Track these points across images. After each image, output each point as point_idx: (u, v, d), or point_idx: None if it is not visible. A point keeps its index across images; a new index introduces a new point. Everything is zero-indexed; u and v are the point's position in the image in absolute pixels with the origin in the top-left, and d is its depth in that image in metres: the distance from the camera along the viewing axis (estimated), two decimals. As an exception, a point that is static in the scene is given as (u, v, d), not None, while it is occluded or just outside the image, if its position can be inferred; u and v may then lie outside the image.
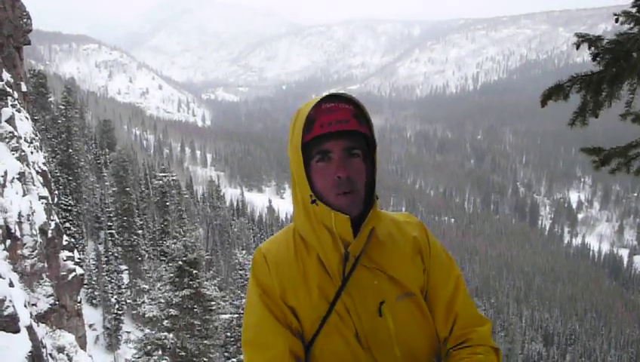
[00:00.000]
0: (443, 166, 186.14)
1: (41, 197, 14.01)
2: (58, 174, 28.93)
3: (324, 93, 1.28)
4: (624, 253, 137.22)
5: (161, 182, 37.84)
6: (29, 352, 6.21)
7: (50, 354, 8.67)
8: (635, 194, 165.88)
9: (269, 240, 1.45)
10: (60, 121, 32.70)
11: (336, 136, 1.23)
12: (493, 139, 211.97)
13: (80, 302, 18.80)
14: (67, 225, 26.11)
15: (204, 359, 16.93)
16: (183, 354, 16.26)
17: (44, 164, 16.39)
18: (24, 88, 18.32)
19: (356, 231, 1.26)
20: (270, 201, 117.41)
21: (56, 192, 22.24)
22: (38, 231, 12.93)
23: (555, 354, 70.69)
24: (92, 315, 25.84)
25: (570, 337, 77.63)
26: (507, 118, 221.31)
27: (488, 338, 1.35)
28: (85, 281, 24.72)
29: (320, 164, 1.25)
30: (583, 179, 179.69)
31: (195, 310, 16.59)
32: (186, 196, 49.80)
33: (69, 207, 27.88)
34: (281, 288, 1.32)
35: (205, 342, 16.78)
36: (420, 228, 1.41)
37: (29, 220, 12.08)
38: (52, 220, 15.18)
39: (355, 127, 1.24)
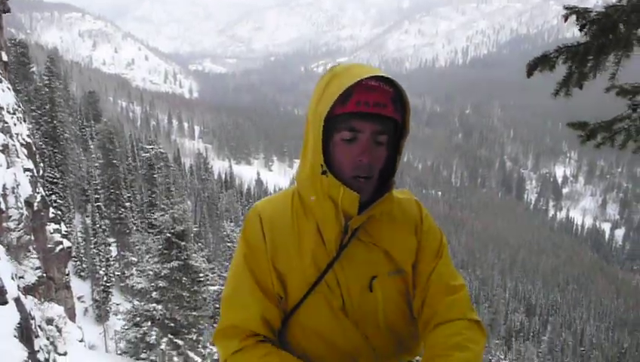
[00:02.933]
0: (431, 139, 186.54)
1: (25, 170, 13.84)
2: (43, 146, 28.51)
3: (367, 70, 1.17)
4: (606, 226, 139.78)
5: (148, 154, 37.55)
6: (18, 324, 6.23)
7: (39, 326, 8.70)
8: (619, 170, 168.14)
9: (267, 198, 1.41)
10: (43, 92, 32.04)
11: (370, 118, 1.17)
12: (481, 113, 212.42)
13: (68, 275, 18.82)
14: (53, 197, 25.91)
15: (193, 330, 17.12)
16: (172, 325, 16.42)
17: (28, 135, 16.13)
18: (4, 58, 17.84)
19: (359, 210, 1.23)
20: (258, 174, 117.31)
21: (42, 165, 21.93)
22: (23, 204, 12.82)
23: (536, 324, 72.47)
24: (80, 288, 25.86)
25: (552, 308, 79.57)
26: (496, 92, 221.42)
27: (463, 309, 1.29)
28: (73, 254, 24.68)
29: (344, 141, 1.19)
30: (568, 155, 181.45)
31: (184, 282, 16.68)
32: (174, 169, 49.54)
33: (55, 180, 27.60)
34: (273, 249, 1.28)
35: (194, 313, 16.93)
36: (416, 206, 1.39)
37: (14, 193, 11.95)
38: (38, 193, 15.04)
39: (391, 113, 1.18)
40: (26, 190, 13.40)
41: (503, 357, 58.26)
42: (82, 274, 27.91)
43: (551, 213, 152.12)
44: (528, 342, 66.93)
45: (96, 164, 35.24)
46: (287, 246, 1.28)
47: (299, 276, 1.26)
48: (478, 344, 1.22)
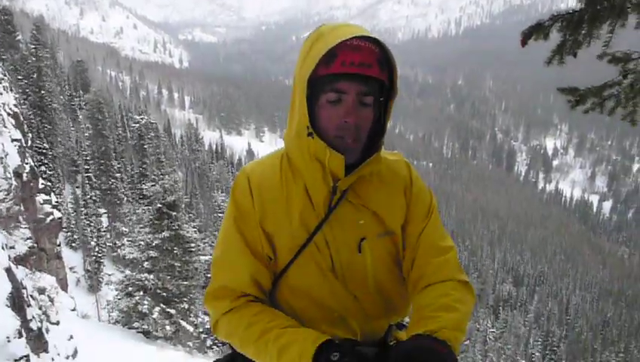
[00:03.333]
0: (423, 111, 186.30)
1: (13, 140, 13.66)
2: (31, 116, 28.11)
3: (353, 29, 1.16)
4: (594, 199, 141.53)
5: (138, 124, 37.23)
6: (10, 293, 6.24)
7: (31, 296, 8.72)
8: (609, 143, 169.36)
9: (255, 161, 1.40)
10: (29, 61, 31.43)
11: (355, 78, 1.15)
12: (473, 84, 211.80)
13: (59, 245, 18.80)
14: (42, 168, 25.67)
15: (185, 299, 17.28)
16: (164, 294, 16.56)
17: (15, 105, 15.88)
18: (-11, 25, 17.44)
19: (347, 171, 1.22)
20: (249, 145, 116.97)
21: (30, 135, 21.68)
22: (12, 175, 12.69)
23: (524, 294, 73.93)
24: (72, 258, 25.91)
25: (539, 278, 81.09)
26: (488, 63, 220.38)
27: (452, 270, 1.29)
28: (64, 225, 24.62)
29: (330, 102, 1.18)
30: (559, 127, 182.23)
31: (175, 252, 16.77)
32: (164, 139, 49.20)
33: (44, 151, 27.31)
34: (261, 211, 1.27)
35: (185, 283, 17.08)
36: (405, 167, 1.38)
37: (2, 163, 11.82)
38: (26, 163, 14.89)
39: (377, 74, 1.16)
40: (14, 160, 13.26)
41: (490, 326, 59.58)
42: (74, 244, 27.93)
43: (540, 185, 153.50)
44: (515, 311, 68.40)
45: (86, 135, 34.90)
46: (275, 208, 1.27)
47: (288, 237, 1.26)
48: (466, 304, 1.23)
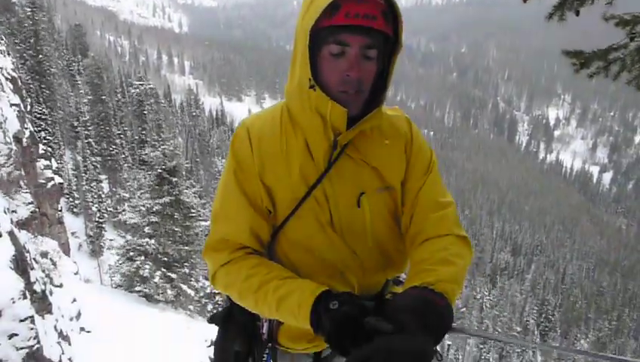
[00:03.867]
0: (425, 79, 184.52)
1: (12, 105, 13.56)
2: (29, 82, 27.84)
3: None
4: (594, 170, 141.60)
5: (137, 90, 36.93)
6: (13, 256, 6.31)
7: (34, 259, 8.82)
8: (612, 114, 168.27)
9: (255, 114, 1.38)
10: (26, 25, 30.89)
11: (359, 30, 1.11)
12: (477, 53, 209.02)
13: (61, 211, 18.91)
14: (42, 134, 25.60)
15: (186, 264, 17.49)
16: (165, 259, 16.76)
17: (12, 70, 15.73)
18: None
19: (348, 125, 1.20)
20: (250, 111, 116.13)
21: (29, 100, 21.52)
22: (12, 139, 12.66)
23: (521, 263, 74.76)
24: (74, 224, 26.11)
25: (537, 248, 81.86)
26: (492, 32, 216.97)
27: (450, 225, 1.28)
28: (65, 190, 24.73)
29: (332, 55, 1.15)
30: (562, 97, 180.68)
31: (176, 217, 16.89)
32: (164, 105, 48.88)
33: (44, 116, 27.15)
34: (261, 164, 1.26)
35: (186, 248, 17.25)
36: (406, 122, 1.36)
37: (1, 128, 11.77)
38: (26, 128, 14.84)
39: (382, 26, 1.12)
40: (13, 125, 13.21)
41: (487, 293, 60.44)
42: (75, 210, 28.09)
43: (541, 155, 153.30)
44: (512, 280, 69.29)
45: (85, 100, 34.63)
46: (275, 162, 1.26)
47: (287, 191, 1.26)
48: (463, 258, 1.22)
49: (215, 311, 1.57)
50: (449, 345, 49.88)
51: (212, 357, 1.49)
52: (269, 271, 1.22)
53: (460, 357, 50.96)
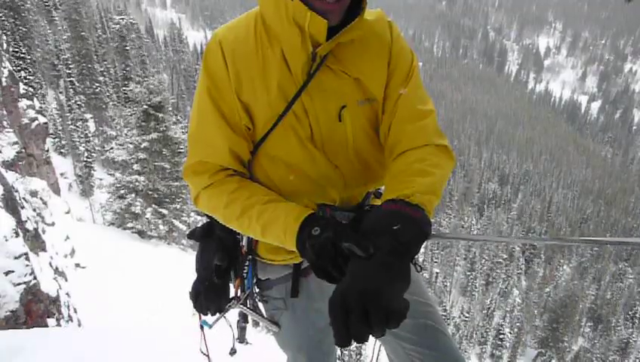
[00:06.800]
0: (413, 8, 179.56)
1: (-13, 41, 13.16)
2: (3, 18, 26.68)
3: None
4: (583, 99, 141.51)
5: (118, 25, 35.65)
6: (2, 195, 6.34)
7: (24, 198, 8.85)
8: (603, 42, 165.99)
9: (227, 25, 1.26)
10: (-5, -45, 29.31)
11: None
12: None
13: (47, 151, 18.75)
14: (22, 74, 24.90)
15: (177, 200, 17.65)
16: (155, 195, 16.87)
17: (-15, 3, 15.08)
18: None
19: (328, 35, 1.12)
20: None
21: (5, 38, 20.74)
22: (-9, 78, 12.37)
23: (508, 192, 76.19)
24: (62, 164, 25.95)
25: (524, 177, 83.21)
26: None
27: (429, 135, 1.22)
28: (51, 131, 24.37)
29: None
30: (554, 25, 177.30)
31: (164, 153, 16.86)
32: (147, 40, 47.48)
33: (22, 55, 26.24)
34: (237, 80, 1.18)
35: (176, 183, 17.34)
36: (388, 27, 1.27)
37: (-22, 65, 11.47)
38: (4, 67, 14.45)
39: None
40: (-9, 63, 12.86)
41: (474, 222, 61.95)
42: (62, 150, 27.85)
43: (530, 85, 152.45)
44: (499, 209, 70.91)
45: (64, 37, 33.44)
46: (251, 76, 1.19)
47: (265, 106, 1.20)
48: (442, 168, 1.18)
49: (196, 227, 1.60)
50: (437, 272, 51.70)
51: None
52: (250, 195, 1.19)
53: (448, 284, 52.99)
